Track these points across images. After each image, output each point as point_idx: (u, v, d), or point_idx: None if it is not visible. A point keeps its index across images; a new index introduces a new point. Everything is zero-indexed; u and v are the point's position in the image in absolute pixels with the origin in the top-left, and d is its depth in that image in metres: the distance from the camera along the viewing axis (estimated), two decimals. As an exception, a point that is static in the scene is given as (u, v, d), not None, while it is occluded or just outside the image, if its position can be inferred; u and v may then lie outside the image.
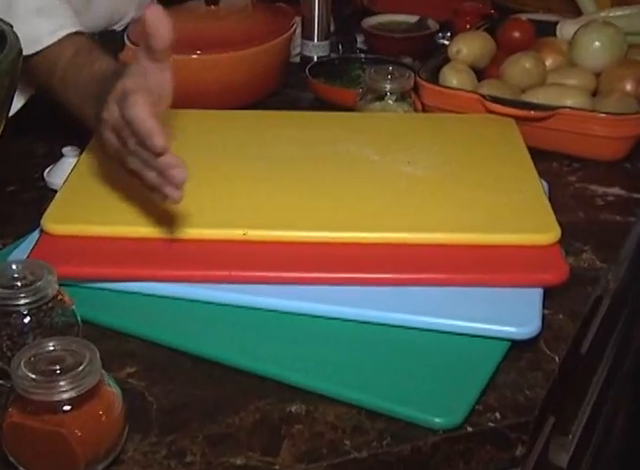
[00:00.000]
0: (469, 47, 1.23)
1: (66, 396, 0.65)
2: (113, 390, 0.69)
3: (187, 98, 1.19)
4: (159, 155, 0.79)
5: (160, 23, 0.80)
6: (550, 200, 1.01)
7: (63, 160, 1.04)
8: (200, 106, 1.13)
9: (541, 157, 1.13)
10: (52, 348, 0.67)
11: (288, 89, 1.34)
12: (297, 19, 1.35)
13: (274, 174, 0.97)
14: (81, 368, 0.66)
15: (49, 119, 1.12)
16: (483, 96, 1.13)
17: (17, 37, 0.76)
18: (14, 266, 0.76)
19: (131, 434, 0.71)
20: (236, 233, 0.87)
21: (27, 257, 0.85)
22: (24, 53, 0.92)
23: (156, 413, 0.74)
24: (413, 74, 1.15)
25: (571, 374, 0.91)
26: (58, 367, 0.66)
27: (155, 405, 0.75)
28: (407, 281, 0.84)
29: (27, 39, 0.93)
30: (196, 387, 0.77)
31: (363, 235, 0.87)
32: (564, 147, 1.14)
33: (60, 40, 0.99)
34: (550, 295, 0.87)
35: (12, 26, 0.80)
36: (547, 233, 0.87)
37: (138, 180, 0.85)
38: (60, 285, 0.77)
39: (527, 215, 0.90)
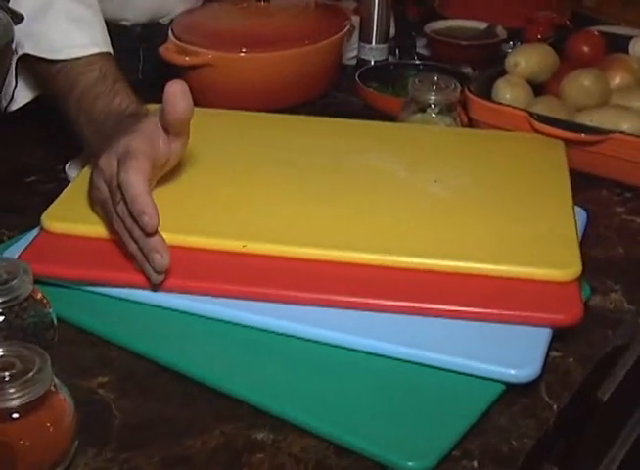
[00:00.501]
0: (528, 60, 1.17)
1: (11, 403, 0.63)
2: (65, 400, 0.66)
3: (231, 97, 1.18)
4: (147, 235, 0.76)
5: (180, 101, 0.77)
6: (587, 231, 0.96)
7: (84, 154, 1.02)
8: (243, 105, 1.10)
9: (591, 183, 1.07)
10: (1, 353, 0.65)
11: (338, 92, 1.30)
12: (356, 19, 1.30)
13: (291, 183, 0.93)
14: (30, 376, 0.63)
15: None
16: (531, 114, 1.06)
17: (7, 29, 0.74)
18: (-13, 264, 0.74)
19: (85, 447, 0.69)
20: (235, 244, 0.84)
21: (20, 253, 0.83)
22: (51, 57, 0.94)
23: (118, 428, 0.71)
24: (459, 86, 1.09)
25: (581, 424, 0.85)
26: (7, 374, 0.64)
27: (118, 420, 0.72)
28: (404, 310, 0.79)
29: (56, 45, 0.94)
30: (166, 404, 0.74)
31: (362, 256, 0.82)
32: (616, 174, 1.07)
33: (88, 59, 0.95)
34: (563, 336, 0.81)
35: (14, 16, 0.78)
36: (564, 269, 0.81)
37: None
38: (48, 285, 0.75)
39: (548, 248, 0.84)
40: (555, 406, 0.75)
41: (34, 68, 0.97)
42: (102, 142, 0.85)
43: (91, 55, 0.95)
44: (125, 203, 0.77)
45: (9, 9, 0.83)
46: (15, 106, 1.02)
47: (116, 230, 0.80)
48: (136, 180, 0.76)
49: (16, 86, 0.99)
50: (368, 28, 1.32)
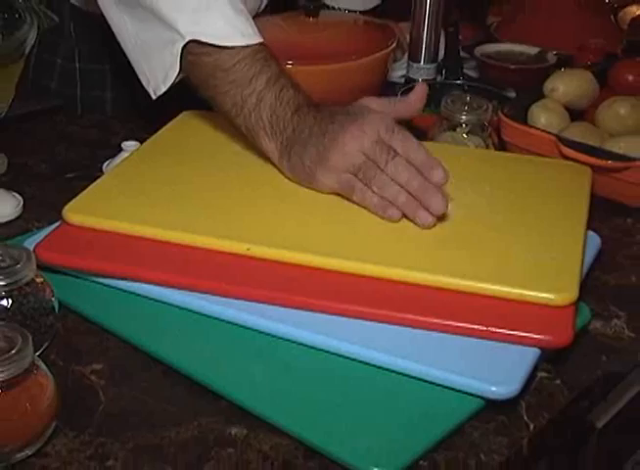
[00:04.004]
0: (566, 86, 1.17)
1: (-12, 379, 0.66)
2: (46, 382, 0.70)
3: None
4: (438, 184, 0.88)
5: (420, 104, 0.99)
6: (603, 257, 0.95)
7: (121, 154, 1.07)
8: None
9: (617, 210, 1.07)
10: (-15, 332, 0.69)
11: (382, 109, 1.31)
12: (408, 38, 1.32)
13: (300, 192, 0.95)
14: (10, 354, 0.67)
15: (131, 111, 1.16)
16: (559, 138, 1.06)
17: (29, 30, 0.79)
18: (-6, 250, 0.78)
19: (66, 430, 0.72)
20: (241, 247, 0.86)
21: (38, 243, 0.87)
22: (219, 43, 0.95)
23: (100, 414, 0.74)
24: (491, 107, 1.10)
25: (568, 448, 0.85)
26: (-13, 351, 0.67)
27: (103, 406, 0.75)
28: (393, 320, 0.80)
29: (224, 33, 0.96)
30: (151, 395, 0.77)
31: (359, 266, 0.83)
32: (641, 202, 1.06)
33: (265, 56, 0.96)
34: (558, 359, 0.81)
35: (47, 19, 0.82)
36: (559, 294, 0.80)
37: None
38: (54, 272, 0.78)
39: (548, 272, 0.83)
40: (532, 426, 0.75)
41: (202, 58, 0.97)
42: (300, 123, 0.93)
43: (257, 45, 0.96)
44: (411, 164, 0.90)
45: (44, 12, 0.87)
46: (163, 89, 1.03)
47: (375, 186, 0.90)
48: (420, 145, 0.91)
49: (179, 73, 0.99)
50: (417, 48, 1.33)
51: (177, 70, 0.99)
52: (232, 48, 0.95)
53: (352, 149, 0.90)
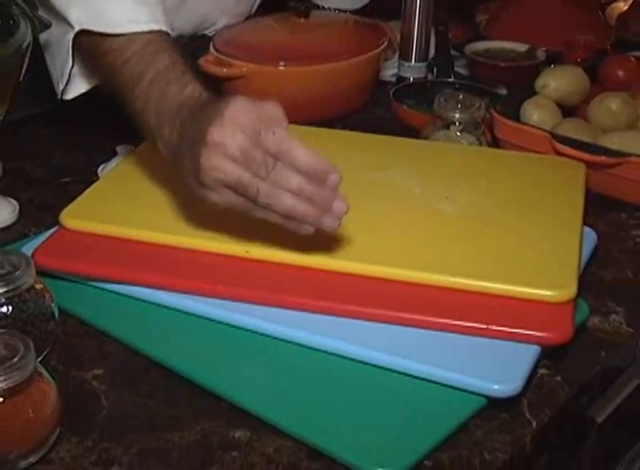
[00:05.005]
0: (557, 82, 1.17)
1: (-8, 387, 0.66)
2: (48, 389, 0.69)
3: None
4: (332, 189, 0.76)
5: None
6: (599, 252, 0.96)
7: (116, 158, 1.07)
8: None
9: (611, 206, 1.07)
10: (-13, 340, 0.69)
11: (374, 108, 1.31)
12: (398, 37, 1.32)
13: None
14: (13, 362, 0.66)
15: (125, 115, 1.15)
16: (553, 135, 1.07)
17: (24, 35, 0.79)
18: (-7, 256, 0.78)
19: (69, 435, 0.72)
20: (239, 249, 0.86)
21: (35, 249, 0.87)
22: (110, 31, 0.88)
23: (103, 419, 0.74)
24: (484, 105, 1.10)
25: (572, 443, 0.85)
26: (-10, 359, 0.67)
27: (105, 411, 0.75)
28: (393, 319, 0.80)
29: (116, 20, 0.90)
30: (152, 399, 0.77)
31: (358, 266, 0.84)
32: (636, 198, 1.06)
33: (157, 46, 0.90)
34: (557, 355, 0.81)
35: (40, 24, 0.82)
36: (558, 290, 0.81)
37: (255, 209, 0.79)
38: (53, 278, 0.78)
39: (546, 269, 0.84)
40: (534, 423, 0.75)
41: (99, 59, 0.93)
42: (180, 128, 0.82)
43: (158, 48, 0.90)
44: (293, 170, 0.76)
45: (36, 17, 0.87)
46: (71, 94, 1.00)
47: (263, 202, 0.77)
48: (299, 144, 0.75)
49: (72, 66, 0.96)
50: (408, 46, 1.33)
51: (70, 64, 0.94)
52: (121, 36, 0.89)
53: (216, 163, 0.77)
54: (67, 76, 0.97)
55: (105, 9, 0.91)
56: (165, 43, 0.91)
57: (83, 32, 0.92)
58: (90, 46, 0.93)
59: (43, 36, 0.95)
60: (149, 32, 0.91)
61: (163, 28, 0.93)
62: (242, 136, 0.75)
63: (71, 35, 0.93)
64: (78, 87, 1.01)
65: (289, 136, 0.75)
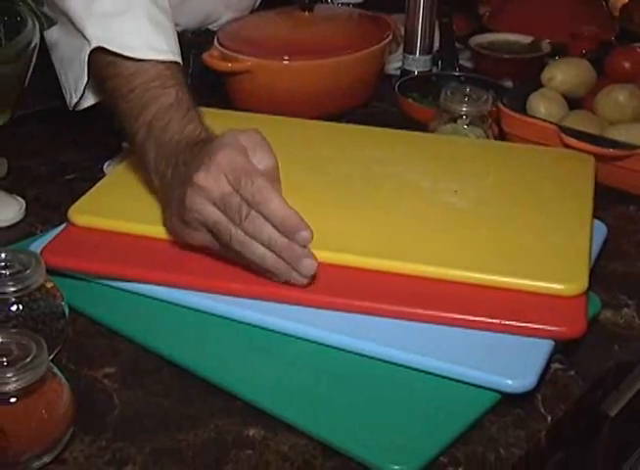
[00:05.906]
0: (564, 74, 1.17)
1: (7, 388, 0.65)
2: (61, 388, 0.69)
3: (272, 104, 1.20)
4: (303, 246, 0.78)
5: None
6: (609, 245, 0.95)
7: (122, 154, 1.06)
8: (283, 112, 1.13)
9: (620, 198, 1.06)
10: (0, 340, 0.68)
11: (380, 102, 1.31)
12: (402, 30, 1.32)
13: (314, 189, 0.95)
14: (26, 362, 0.66)
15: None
16: (561, 128, 1.06)
17: (31, 33, 0.78)
18: (2, 255, 0.77)
19: (82, 435, 0.72)
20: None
21: (44, 247, 0.86)
22: (127, 54, 0.89)
23: (115, 418, 0.74)
24: (491, 98, 1.09)
25: (586, 438, 0.85)
26: (4, 359, 0.67)
27: (117, 410, 0.75)
28: (406, 315, 0.80)
29: (135, 44, 0.91)
30: (165, 397, 0.76)
31: (371, 261, 0.83)
32: (645, 190, 1.06)
33: (164, 83, 0.90)
34: (569, 349, 0.81)
35: (47, 21, 0.81)
36: (569, 284, 0.81)
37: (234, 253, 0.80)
38: (63, 276, 0.77)
39: (557, 262, 0.84)
40: (549, 418, 0.75)
41: (106, 80, 0.93)
42: (174, 165, 0.84)
43: (167, 87, 0.90)
44: (268, 221, 0.77)
45: (43, 13, 0.86)
46: (85, 104, 1.00)
47: (235, 248, 0.79)
48: (276, 197, 0.77)
49: (88, 82, 0.96)
50: (412, 40, 1.32)
51: (85, 79, 0.95)
52: (137, 61, 0.90)
53: (198, 205, 0.79)
54: (81, 91, 0.97)
55: (126, 31, 0.92)
56: (173, 79, 0.92)
57: (96, 48, 0.92)
58: (99, 64, 0.93)
59: (59, 44, 0.95)
60: (162, 62, 0.92)
61: (177, 60, 0.94)
62: (225, 182, 0.78)
63: (87, 51, 0.92)
64: (90, 100, 1.01)
65: (268, 188, 0.77)
